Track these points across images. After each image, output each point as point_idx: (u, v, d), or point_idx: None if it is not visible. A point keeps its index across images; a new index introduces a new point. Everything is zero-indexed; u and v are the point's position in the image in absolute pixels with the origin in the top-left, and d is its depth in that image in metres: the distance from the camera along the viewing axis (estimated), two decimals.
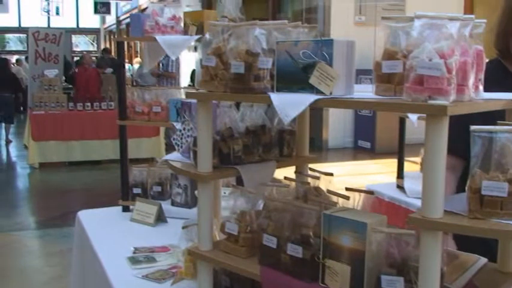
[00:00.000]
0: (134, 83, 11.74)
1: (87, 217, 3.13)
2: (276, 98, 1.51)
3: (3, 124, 13.12)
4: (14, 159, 11.66)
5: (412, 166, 4.54)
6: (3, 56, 16.73)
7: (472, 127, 1.29)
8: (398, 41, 1.35)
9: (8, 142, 12.86)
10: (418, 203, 3.27)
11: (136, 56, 22.04)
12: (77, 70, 12.57)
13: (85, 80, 11.48)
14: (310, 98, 1.44)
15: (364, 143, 11.21)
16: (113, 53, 18.00)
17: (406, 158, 4.02)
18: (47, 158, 9.66)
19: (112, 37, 31.57)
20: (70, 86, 12.53)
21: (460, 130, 1.45)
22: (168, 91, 3.31)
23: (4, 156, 11.98)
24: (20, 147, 12.08)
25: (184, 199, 3.05)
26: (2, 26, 32.50)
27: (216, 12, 2.88)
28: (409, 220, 1.28)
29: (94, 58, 16.84)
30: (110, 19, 31.10)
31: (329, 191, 1.68)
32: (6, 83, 12.48)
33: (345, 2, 11.07)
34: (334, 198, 1.63)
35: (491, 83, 1.50)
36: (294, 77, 1.50)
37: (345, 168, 9.10)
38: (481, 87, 1.42)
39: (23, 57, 22.54)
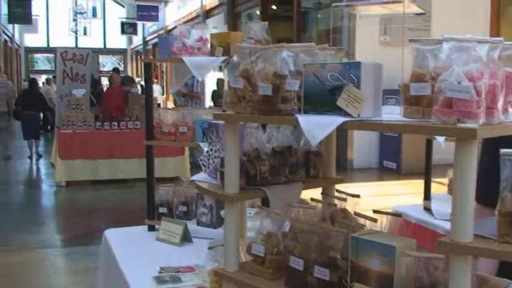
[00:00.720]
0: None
1: (113, 236, 3.15)
2: (304, 120, 1.51)
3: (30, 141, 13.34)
4: (41, 177, 11.81)
5: (438, 187, 4.49)
6: (31, 76, 17.16)
7: (502, 150, 1.28)
8: (426, 63, 1.35)
9: (38, 157, 13.07)
10: (445, 225, 3.24)
11: (157, 76, 22.37)
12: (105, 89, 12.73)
13: (112, 99, 11.60)
14: (338, 120, 1.44)
15: (390, 163, 11.09)
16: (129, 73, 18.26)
17: (432, 179, 3.99)
18: (73, 176, 9.74)
19: (139, 57, 32.03)
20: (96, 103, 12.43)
21: (492, 176, 1.36)
22: (194, 111, 3.34)
23: (32, 175, 12.15)
24: (47, 165, 12.24)
25: (210, 219, 3.06)
26: (31, 46, 33.23)
27: (242, 34, 2.90)
28: (439, 244, 1.26)
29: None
30: (137, 40, 31.61)
31: (356, 213, 1.67)
32: (34, 101, 12.86)
33: (370, 23, 11.04)
34: (361, 220, 1.62)
35: None
36: (322, 99, 1.51)
37: (370, 188, 9.02)
38: (510, 110, 1.40)
39: (51, 76, 22.95)
